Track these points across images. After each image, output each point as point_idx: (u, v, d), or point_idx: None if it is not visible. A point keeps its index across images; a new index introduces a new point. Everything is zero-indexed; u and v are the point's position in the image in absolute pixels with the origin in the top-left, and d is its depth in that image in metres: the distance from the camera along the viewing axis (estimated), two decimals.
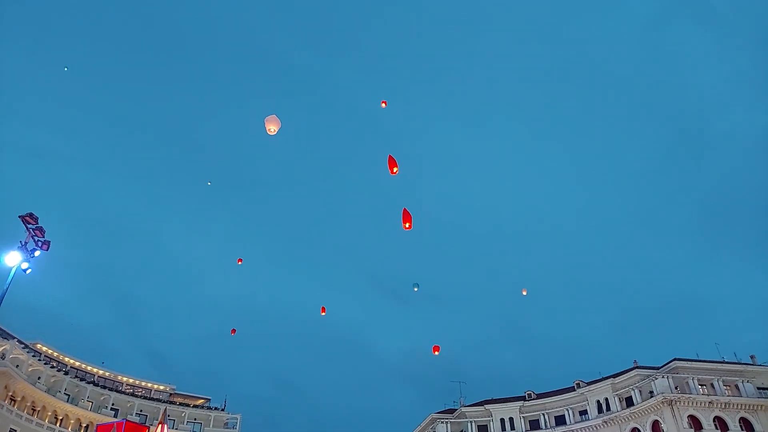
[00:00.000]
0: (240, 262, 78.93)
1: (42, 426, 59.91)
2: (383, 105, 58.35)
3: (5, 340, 58.21)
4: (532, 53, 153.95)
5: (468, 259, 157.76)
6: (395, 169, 33.16)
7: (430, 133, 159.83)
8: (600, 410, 63.05)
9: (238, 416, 76.58)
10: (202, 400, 79.85)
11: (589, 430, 62.81)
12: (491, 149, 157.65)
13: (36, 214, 22.24)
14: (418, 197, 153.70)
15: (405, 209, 32.74)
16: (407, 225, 32.62)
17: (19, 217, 21.85)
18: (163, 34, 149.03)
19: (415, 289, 60.77)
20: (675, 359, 61.46)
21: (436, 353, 49.71)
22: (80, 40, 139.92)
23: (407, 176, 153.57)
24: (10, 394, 56.78)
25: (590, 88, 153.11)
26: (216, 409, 77.35)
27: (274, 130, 31.59)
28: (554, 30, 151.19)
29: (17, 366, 57.63)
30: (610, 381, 63.65)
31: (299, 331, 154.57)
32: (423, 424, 75.23)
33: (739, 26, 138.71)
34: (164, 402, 73.53)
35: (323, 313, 54.29)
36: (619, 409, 60.97)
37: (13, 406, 56.91)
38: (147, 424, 66.35)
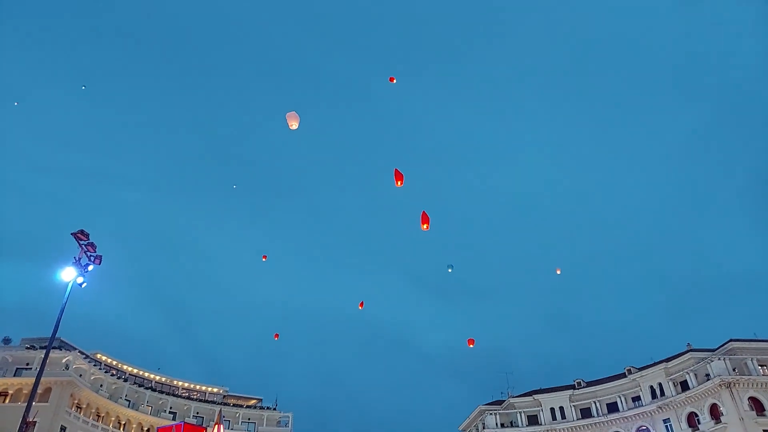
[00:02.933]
0: (264, 259, 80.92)
1: (107, 431, 63.01)
2: (392, 81, 59.84)
3: (68, 351, 61.49)
4: (565, 31, 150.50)
5: (509, 250, 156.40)
6: (399, 183, 34.46)
7: (465, 125, 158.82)
8: (654, 396, 61.51)
9: (290, 414, 78.35)
10: (255, 401, 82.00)
11: (643, 416, 61.43)
12: (526, 135, 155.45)
13: (89, 231, 23.25)
14: (457, 192, 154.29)
15: (424, 212, 34.51)
16: (425, 226, 34.31)
17: (72, 234, 22.92)
18: (194, 53, 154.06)
19: (450, 270, 61.70)
20: (731, 340, 59.28)
21: (471, 346, 50.29)
22: (117, 61, 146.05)
23: (445, 172, 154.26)
24: (76, 402, 59.92)
25: (627, 64, 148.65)
26: (268, 408, 79.30)
27: (295, 126, 34.84)
28: (588, 5, 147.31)
29: (80, 375, 60.77)
30: (662, 365, 61.97)
31: (345, 330, 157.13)
32: (471, 416, 75.11)
33: None
34: (219, 404, 75.84)
35: (361, 308, 55.78)
36: (673, 394, 59.31)
37: (80, 413, 60.06)
38: (204, 426, 68.83)
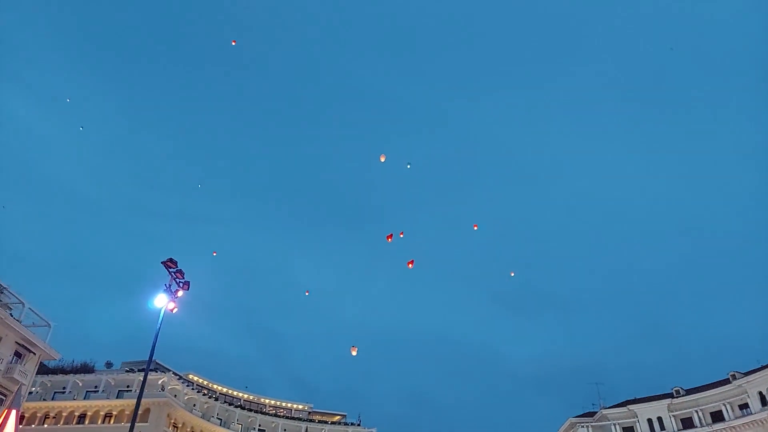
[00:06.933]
0: (215, 254, 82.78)
1: None
2: (382, 159, 66.34)
3: (162, 372, 65.11)
4: (649, 37, 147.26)
5: (595, 261, 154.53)
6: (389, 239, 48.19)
7: (544, 137, 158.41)
8: (764, 403, 56.18)
9: (374, 430, 78.62)
10: (339, 417, 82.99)
11: (754, 425, 56.18)
12: (610, 145, 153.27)
13: (183, 266, 24.51)
14: (546, 203, 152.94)
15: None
16: (410, 265, 45.93)
17: (162, 262, 24.30)
18: (282, 94, 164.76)
19: (408, 167, 63.88)
20: None
21: (390, 240, 50.67)
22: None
23: (528, 186, 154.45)
24: (173, 421, 63.11)
25: (716, 69, 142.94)
26: (352, 424, 79.91)
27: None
28: (676, 9, 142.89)
29: (175, 396, 64.03)
30: None
31: (429, 348, 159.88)
32: (562, 430, 71.94)
33: None
34: (304, 420, 77.42)
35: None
36: None
37: None
38: None
